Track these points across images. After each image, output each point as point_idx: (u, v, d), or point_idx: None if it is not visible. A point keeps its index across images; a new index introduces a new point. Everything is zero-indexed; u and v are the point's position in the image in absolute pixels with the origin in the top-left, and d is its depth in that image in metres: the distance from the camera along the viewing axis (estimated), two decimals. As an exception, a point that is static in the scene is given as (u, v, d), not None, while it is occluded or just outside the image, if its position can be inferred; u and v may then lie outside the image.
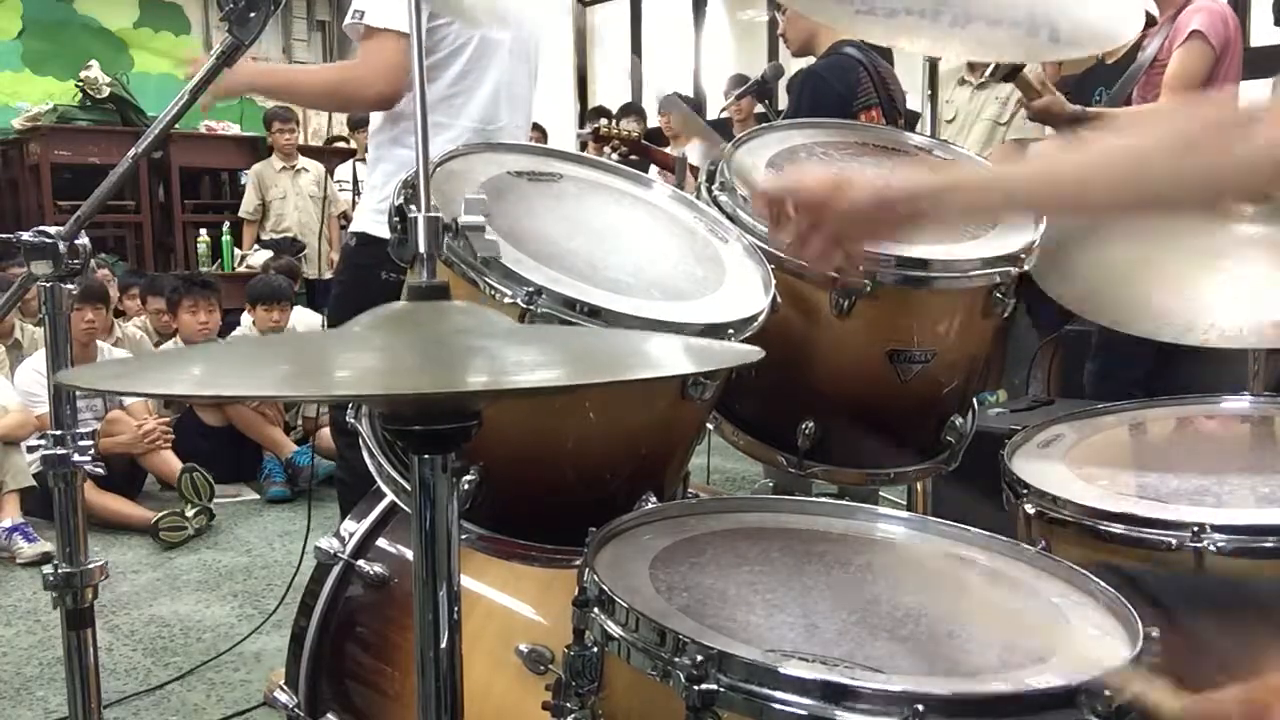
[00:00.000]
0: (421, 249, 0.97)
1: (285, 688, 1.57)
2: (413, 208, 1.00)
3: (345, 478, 2.34)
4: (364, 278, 2.18)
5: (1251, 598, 1.04)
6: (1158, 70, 3.25)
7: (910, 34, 1.65)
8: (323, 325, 2.86)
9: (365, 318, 0.83)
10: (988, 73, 3.09)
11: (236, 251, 7.20)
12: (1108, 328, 1.60)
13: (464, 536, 1.19)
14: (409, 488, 1.15)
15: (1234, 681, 0.72)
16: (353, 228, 2.43)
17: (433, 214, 0.99)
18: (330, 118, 9.15)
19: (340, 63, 2.29)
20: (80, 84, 7.47)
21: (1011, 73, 3.03)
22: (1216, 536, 1.12)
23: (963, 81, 4.24)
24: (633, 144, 3.90)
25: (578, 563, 1.03)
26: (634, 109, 6.98)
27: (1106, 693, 0.79)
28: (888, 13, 1.61)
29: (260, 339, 3.58)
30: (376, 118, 2.35)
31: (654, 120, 6.49)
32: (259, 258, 6.80)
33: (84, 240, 1.39)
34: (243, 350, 0.87)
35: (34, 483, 3.61)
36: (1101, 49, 2.65)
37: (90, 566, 1.43)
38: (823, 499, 1.34)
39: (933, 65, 1.96)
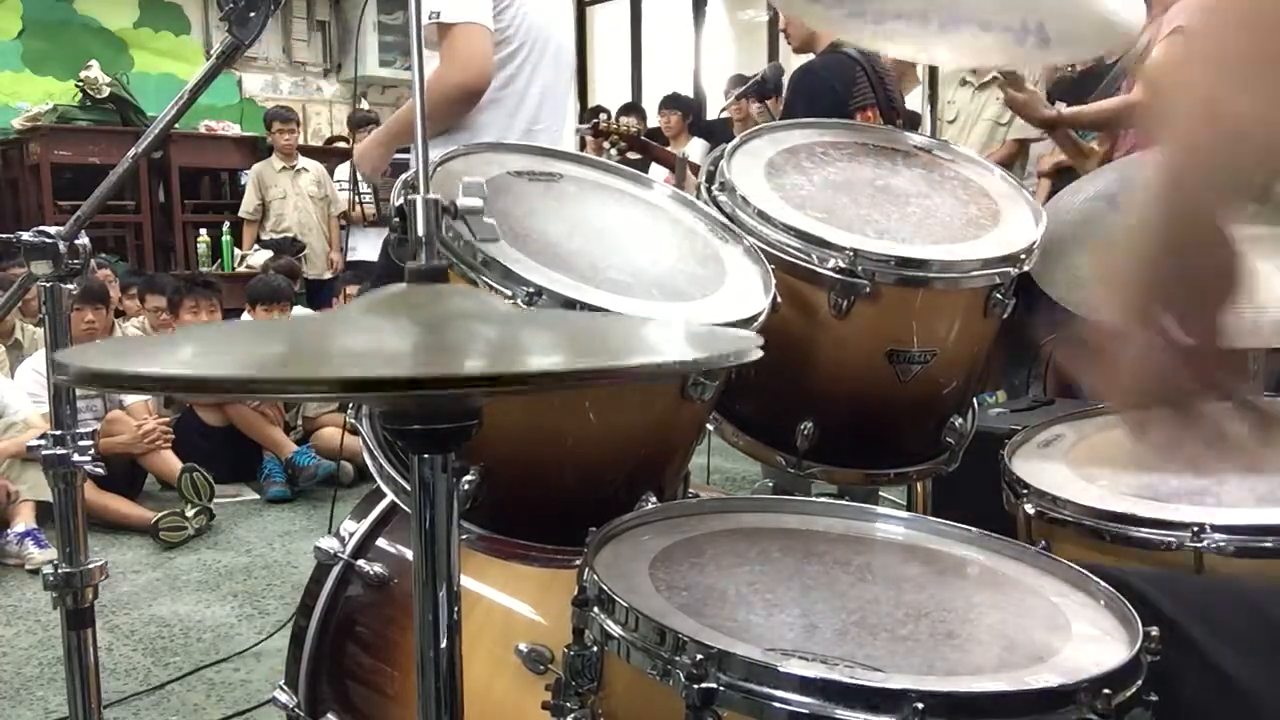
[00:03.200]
0: (420, 232, 0.96)
1: (285, 688, 1.57)
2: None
3: None
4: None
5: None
6: None
7: (898, 40, 1.65)
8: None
9: (361, 301, 0.82)
10: (993, 73, 3.09)
11: (236, 251, 7.20)
12: (1105, 330, 1.59)
13: (464, 536, 1.19)
14: (409, 488, 1.15)
15: None
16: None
17: (431, 197, 0.98)
18: (331, 118, 9.15)
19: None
20: (80, 84, 7.47)
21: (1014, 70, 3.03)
22: (1216, 536, 1.12)
23: (964, 82, 4.24)
24: (632, 140, 3.87)
25: (577, 562, 1.03)
26: (634, 108, 6.98)
27: (1106, 692, 0.79)
28: (876, 17, 1.61)
29: (251, 323, 3.57)
30: None
31: (654, 120, 6.50)
32: (259, 258, 6.80)
33: (84, 240, 1.39)
34: (235, 332, 0.85)
35: (49, 498, 3.58)
36: (1094, 53, 2.64)
37: (90, 566, 1.44)
38: (823, 499, 1.34)
39: (933, 65, 1.96)
